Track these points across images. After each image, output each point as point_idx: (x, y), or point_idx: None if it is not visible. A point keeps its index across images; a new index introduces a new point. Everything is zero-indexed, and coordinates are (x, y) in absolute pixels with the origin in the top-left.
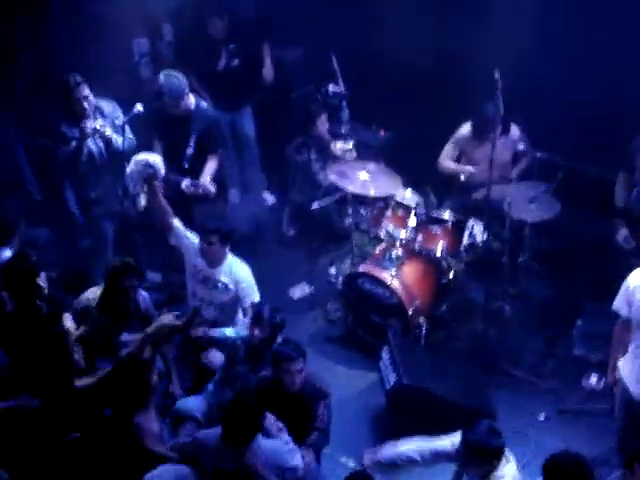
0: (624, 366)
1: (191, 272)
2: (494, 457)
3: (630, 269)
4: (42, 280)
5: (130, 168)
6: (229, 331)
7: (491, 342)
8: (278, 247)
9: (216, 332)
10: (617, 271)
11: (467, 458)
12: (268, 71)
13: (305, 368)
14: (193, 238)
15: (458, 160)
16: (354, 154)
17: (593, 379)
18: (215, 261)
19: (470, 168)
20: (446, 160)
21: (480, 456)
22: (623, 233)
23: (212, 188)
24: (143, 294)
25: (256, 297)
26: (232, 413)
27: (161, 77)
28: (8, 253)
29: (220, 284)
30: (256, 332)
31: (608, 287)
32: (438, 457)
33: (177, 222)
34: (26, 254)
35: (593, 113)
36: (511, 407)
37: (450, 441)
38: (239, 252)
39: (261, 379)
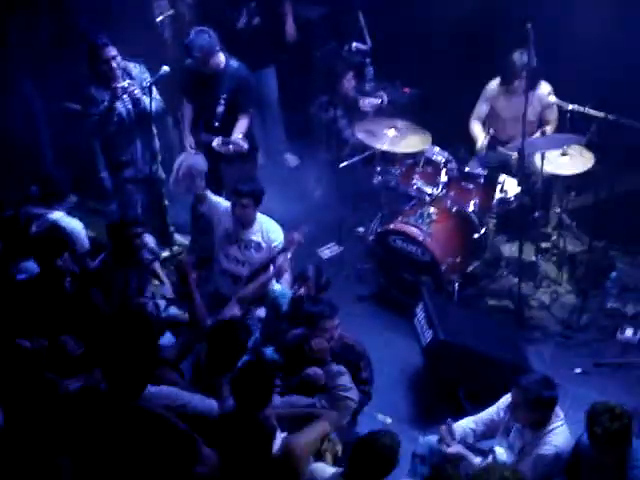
0: None
1: (223, 235)
2: (545, 407)
3: None
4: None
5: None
6: (277, 287)
7: (524, 296)
8: (306, 207)
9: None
10: None
11: (518, 403)
12: (290, 30)
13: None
14: (223, 202)
15: (490, 116)
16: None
17: (628, 332)
18: (248, 222)
19: (488, 135)
20: (475, 121)
21: (531, 403)
22: None
23: (244, 144)
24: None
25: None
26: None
27: (191, 33)
28: (59, 214)
29: (254, 244)
30: (301, 291)
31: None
32: (489, 424)
33: (208, 193)
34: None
35: (624, 66)
36: (547, 361)
37: (496, 406)
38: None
39: (297, 337)
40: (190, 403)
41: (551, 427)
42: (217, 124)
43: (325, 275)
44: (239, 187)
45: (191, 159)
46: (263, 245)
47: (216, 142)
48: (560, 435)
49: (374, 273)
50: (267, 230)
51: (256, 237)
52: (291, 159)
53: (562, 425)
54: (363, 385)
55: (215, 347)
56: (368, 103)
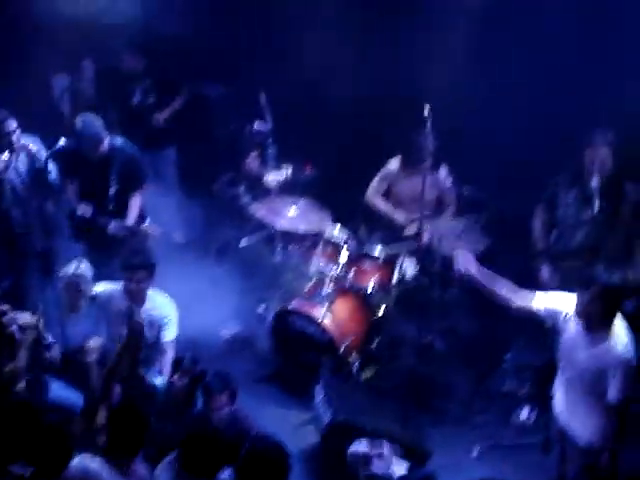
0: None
1: (114, 320)
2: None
3: None
4: None
5: None
6: (158, 380)
7: (423, 378)
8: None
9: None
10: None
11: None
12: (160, 117)
13: (233, 407)
14: (112, 287)
15: (386, 195)
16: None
17: (524, 413)
18: (142, 298)
19: (399, 216)
20: (375, 196)
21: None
22: (546, 271)
23: (153, 228)
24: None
25: (173, 333)
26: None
27: (79, 121)
28: None
29: (146, 321)
30: (175, 379)
31: (534, 321)
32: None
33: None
34: None
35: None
36: (444, 442)
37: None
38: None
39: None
40: None
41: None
42: (111, 207)
43: (199, 366)
44: (131, 261)
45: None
46: (155, 322)
47: (112, 227)
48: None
49: (274, 353)
50: (160, 304)
51: (150, 313)
52: (178, 236)
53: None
54: None
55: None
56: (272, 179)
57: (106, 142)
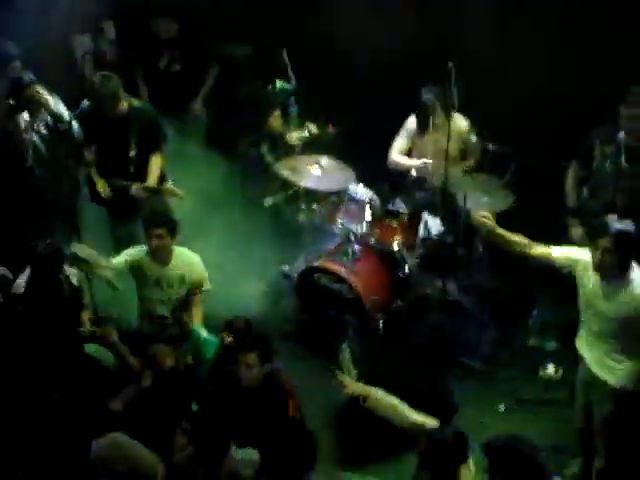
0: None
1: (141, 281)
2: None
3: None
4: None
5: None
6: (203, 332)
7: (448, 335)
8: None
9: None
10: None
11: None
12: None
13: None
14: (138, 251)
15: (409, 154)
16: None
17: (550, 369)
18: (166, 257)
19: (421, 161)
20: (396, 154)
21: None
22: (578, 232)
23: (176, 190)
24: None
25: (207, 286)
26: None
27: (97, 80)
28: None
29: (176, 279)
30: (228, 340)
31: (560, 278)
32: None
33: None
34: None
35: (544, 107)
36: (471, 398)
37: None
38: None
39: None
40: None
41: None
42: (132, 169)
43: (244, 320)
44: (152, 218)
45: None
46: (187, 279)
47: (134, 190)
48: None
49: (299, 311)
50: (188, 262)
51: (177, 271)
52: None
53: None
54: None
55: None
56: (296, 137)
57: (125, 103)
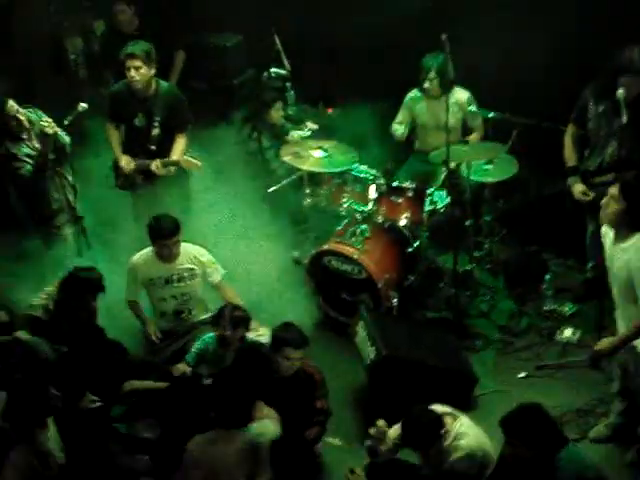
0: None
1: (148, 285)
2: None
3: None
4: None
5: None
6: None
7: (462, 307)
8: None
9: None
10: (577, 225)
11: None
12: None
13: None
14: (144, 254)
15: (412, 129)
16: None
17: (567, 332)
18: (175, 255)
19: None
20: (396, 126)
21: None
22: (579, 188)
23: (194, 160)
24: None
25: (221, 270)
26: None
27: (129, 45)
28: None
29: (186, 273)
30: (226, 332)
31: (570, 241)
32: None
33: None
34: None
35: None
36: (490, 368)
37: None
38: None
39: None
40: None
41: (451, 439)
42: (153, 147)
43: (241, 311)
44: (164, 230)
45: None
46: (197, 270)
47: (154, 165)
48: (464, 438)
49: (312, 295)
50: (194, 255)
51: (186, 264)
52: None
53: (461, 426)
54: (317, 415)
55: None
56: (297, 137)
57: (153, 82)
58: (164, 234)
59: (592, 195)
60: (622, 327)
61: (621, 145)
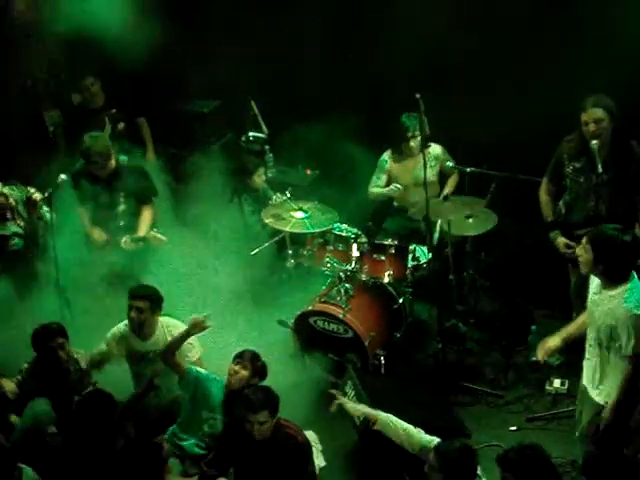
0: None
1: (128, 356)
2: (462, 475)
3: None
4: None
5: None
6: (198, 368)
7: (450, 361)
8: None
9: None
10: (561, 275)
11: (434, 468)
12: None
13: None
14: (120, 328)
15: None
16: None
17: (556, 383)
18: (147, 331)
19: (396, 186)
20: (374, 187)
21: (454, 473)
22: (563, 241)
23: (160, 236)
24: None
25: (198, 353)
26: None
27: (87, 140)
28: None
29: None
30: (239, 372)
31: (554, 291)
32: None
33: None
34: None
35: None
36: (480, 423)
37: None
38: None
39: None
40: None
41: None
42: (122, 223)
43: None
44: (136, 290)
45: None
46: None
47: (123, 241)
48: None
49: (300, 356)
50: (171, 329)
51: (161, 340)
52: None
53: None
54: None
55: None
56: (277, 200)
57: (114, 160)
58: (137, 293)
59: (574, 247)
60: (588, 376)
61: (599, 199)
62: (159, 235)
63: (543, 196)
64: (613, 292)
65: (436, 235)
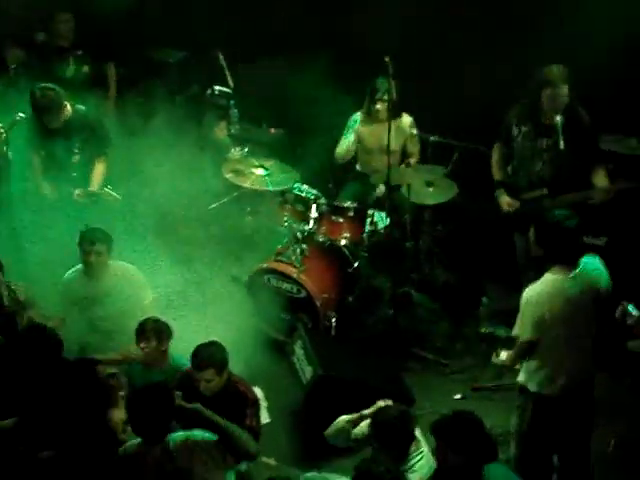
0: None
1: (77, 304)
2: (401, 442)
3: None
4: None
5: None
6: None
7: (400, 328)
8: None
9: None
10: (513, 249)
11: (378, 441)
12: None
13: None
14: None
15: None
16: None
17: (503, 355)
18: (102, 270)
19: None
20: (342, 149)
21: (389, 440)
22: (505, 199)
23: (114, 194)
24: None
25: (150, 295)
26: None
27: (37, 92)
28: None
29: (113, 291)
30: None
31: (507, 266)
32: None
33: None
34: None
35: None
36: (426, 389)
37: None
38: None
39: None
40: None
41: (411, 463)
42: (75, 174)
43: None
44: (92, 234)
45: None
46: (126, 290)
47: (76, 194)
48: (421, 469)
49: (252, 313)
50: (125, 274)
51: (113, 282)
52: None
53: (422, 458)
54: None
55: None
56: (236, 154)
57: (69, 109)
58: (87, 238)
59: (517, 206)
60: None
61: (544, 164)
62: (113, 193)
63: (494, 157)
64: (572, 274)
65: (374, 195)
